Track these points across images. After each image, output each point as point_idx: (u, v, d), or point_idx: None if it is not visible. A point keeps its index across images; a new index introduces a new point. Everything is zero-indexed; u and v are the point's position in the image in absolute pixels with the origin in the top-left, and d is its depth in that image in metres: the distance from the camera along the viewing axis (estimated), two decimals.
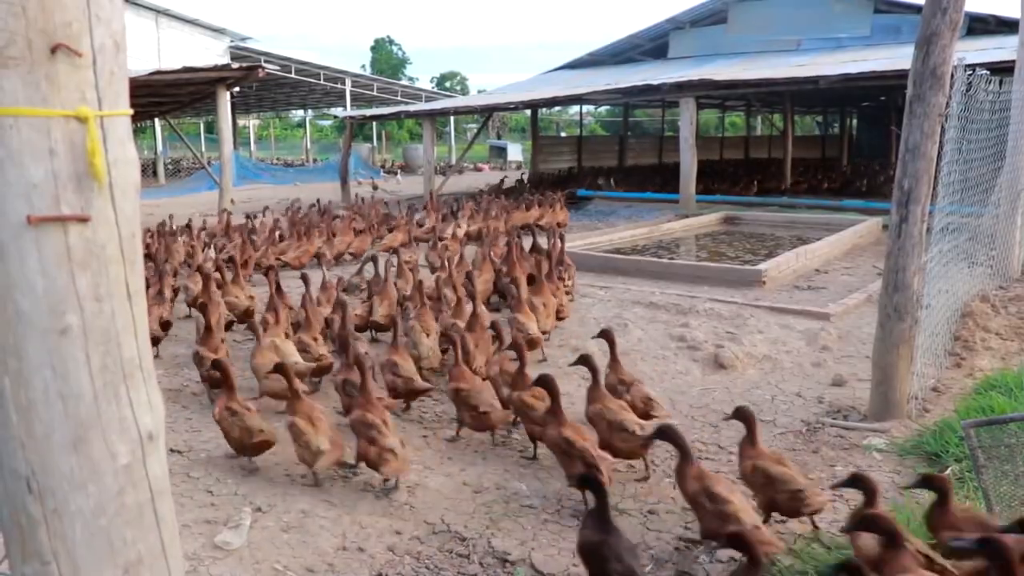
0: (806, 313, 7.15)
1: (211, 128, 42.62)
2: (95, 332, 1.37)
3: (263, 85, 30.62)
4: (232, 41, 32.93)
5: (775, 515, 3.55)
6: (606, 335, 4.86)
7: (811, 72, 15.68)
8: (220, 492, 3.90)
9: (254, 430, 4.10)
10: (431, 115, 21.16)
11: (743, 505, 3.13)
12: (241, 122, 45.35)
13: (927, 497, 3.68)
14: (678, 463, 3.34)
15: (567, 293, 7.24)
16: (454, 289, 6.66)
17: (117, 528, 1.42)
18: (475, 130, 31.22)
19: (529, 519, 3.64)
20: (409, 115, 25.87)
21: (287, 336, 5.69)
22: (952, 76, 4.63)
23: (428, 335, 5.64)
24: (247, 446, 4.14)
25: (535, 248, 8.69)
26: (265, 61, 26.92)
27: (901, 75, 6.27)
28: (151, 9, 28.64)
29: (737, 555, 3.30)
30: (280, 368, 4.42)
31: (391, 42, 78.95)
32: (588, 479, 3.06)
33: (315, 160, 41.79)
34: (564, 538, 3.47)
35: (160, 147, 34.04)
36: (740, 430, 4.69)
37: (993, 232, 7.61)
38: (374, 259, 7.74)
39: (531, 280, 7.02)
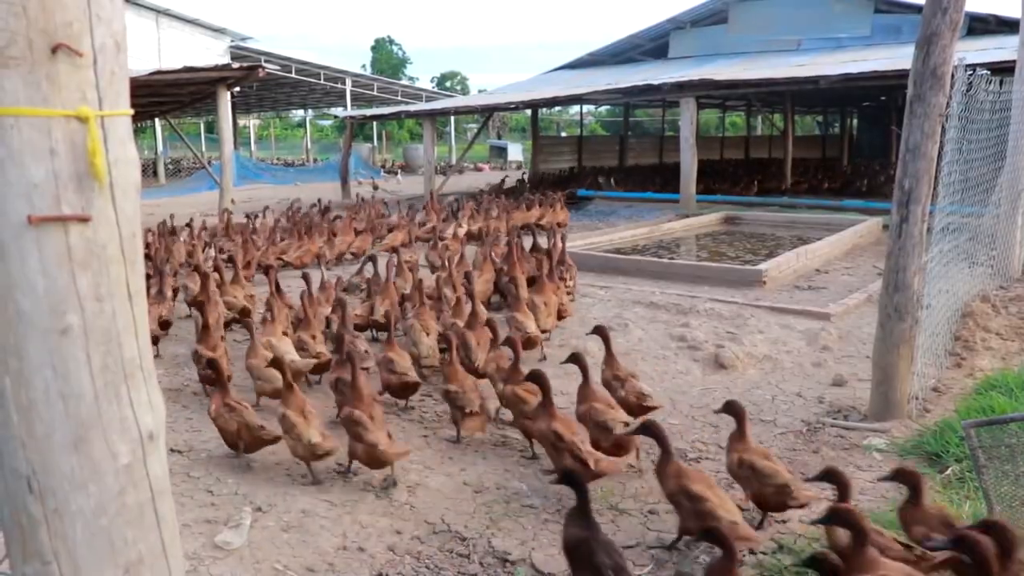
0: (806, 313, 7.15)
1: (211, 128, 42.65)
2: (96, 332, 1.37)
3: (263, 85, 30.61)
4: (232, 41, 32.95)
5: (776, 516, 3.56)
6: (600, 331, 4.91)
7: (811, 72, 15.68)
8: (220, 492, 3.90)
9: (253, 426, 4.12)
10: (431, 115, 21.16)
11: (720, 502, 3.16)
12: (241, 122, 45.36)
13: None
14: (658, 460, 3.38)
15: (568, 293, 7.25)
16: (453, 288, 6.68)
17: (118, 528, 1.42)
18: (475, 130, 31.22)
19: (529, 519, 3.64)
20: (409, 115, 25.88)
21: (286, 335, 5.73)
22: (952, 76, 4.63)
23: (428, 334, 5.65)
24: (244, 442, 4.17)
25: (535, 248, 8.70)
26: (265, 61, 26.90)
27: (901, 75, 6.28)
28: (151, 9, 28.65)
29: None
30: (275, 362, 4.47)
31: (391, 42, 78.99)
32: (569, 475, 3.07)
33: (315, 160, 41.79)
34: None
35: (160, 147, 34.06)
36: None
37: (994, 232, 7.61)
38: (373, 259, 7.75)
39: (532, 281, 7.04)
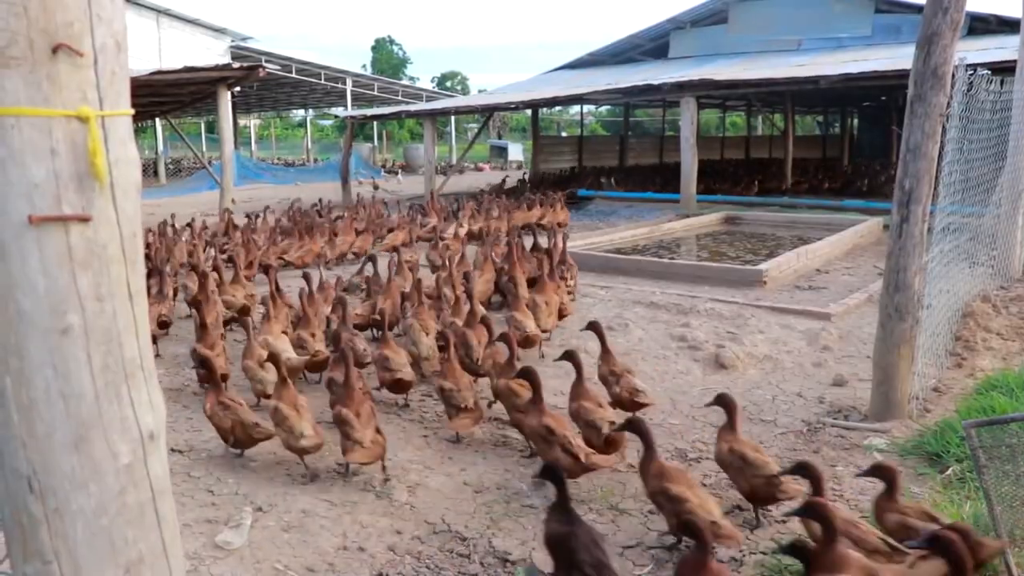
0: (807, 313, 7.15)
1: (212, 128, 42.67)
2: (96, 332, 1.37)
3: (264, 85, 30.61)
4: (233, 41, 32.96)
5: (775, 516, 3.56)
6: (594, 327, 4.99)
7: (812, 72, 15.68)
8: (221, 492, 3.90)
9: (247, 423, 4.19)
10: (432, 115, 21.16)
11: (701, 502, 3.19)
12: (242, 122, 45.37)
13: (928, 497, 3.69)
14: (641, 458, 3.41)
15: (569, 292, 7.26)
16: (453, 288, 6.69)
17: (118, 527, 1.42)
18: (476, 130, 31.21)
19: (530, 519, 3.64)
20: (410, 115, 25.87)
21: (286, 334, 5.78)
22: (953, 76, 4.63)
23: (427, 334, 5.67)
24: (238, 439, 4.23)
25: (536, 247, 8.71)
26: (266, 61, 26.92)
27: (902, 75, 6.27)
28: (152, 9, 28.66)
29: (736, 554, 3.31)
30: (271, 357, 4.57)
31: (392, 42, 79.02)
32: (548, 470, 3.10)
33: (316, 160, 41.82)
34: None
35: (161, 147, 34.08)
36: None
37: (994, 232, 7.61)
38: (373, 259, 7.76)
39: (533, 281, 7.06)
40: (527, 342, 5.96)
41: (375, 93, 38.81)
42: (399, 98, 38.49)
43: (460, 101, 30.77)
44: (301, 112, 53.72)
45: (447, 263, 7.64)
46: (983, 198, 6.90)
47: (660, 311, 7.29)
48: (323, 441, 4.09)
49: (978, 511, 3.34)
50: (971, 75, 5.49)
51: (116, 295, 1.40)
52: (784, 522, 3.53)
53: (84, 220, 1.34)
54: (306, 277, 6.56)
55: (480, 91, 51.79)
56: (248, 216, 12.93)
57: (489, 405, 4.92)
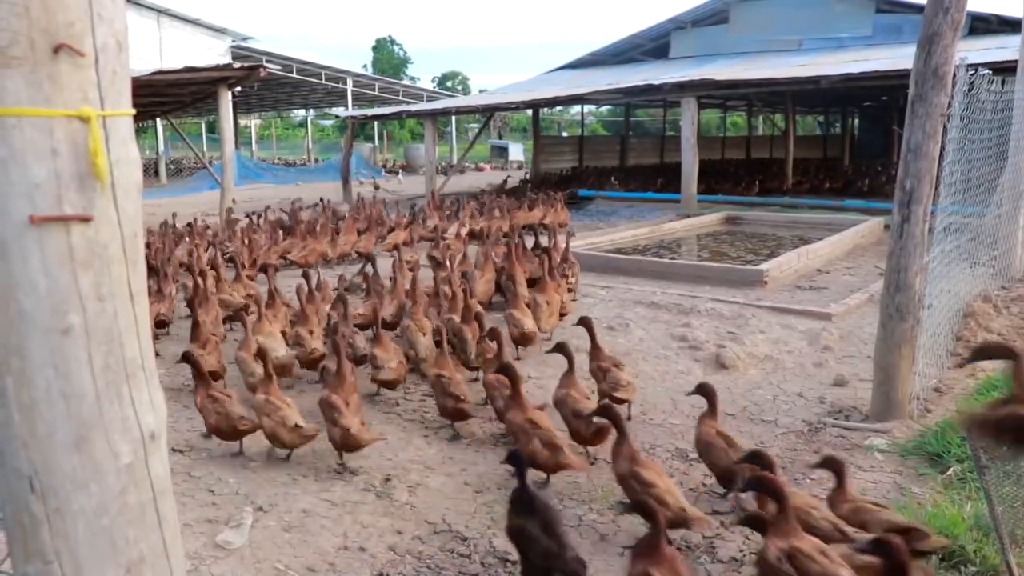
0: (808, 313, 7.15)
1: (213, 128, 42.70)
2: (97, 332, 1.37)
3: (265, 85, 30.66)
4: (234, 41, 32.98)
5: None
6: (585, 323, 5.10)
7: (813, 72, 15.67)
8: (221, 491, 3.91)
9: (233, 416, 4.27)
10: (432, 115, 21.16)
11: (668, 488, 3.29)
12: (243, 122, 45.38)
13: (929, 497, 3.69)
14: (614, 442, 3.52)
15: (570, 290, 7.28)
16: (450, 285, 6.73)
17: (119, 527, 1.42)
18: (476, 130, 31.20)
19: None
20: (411, 115, 25.88)
21: (284, 332, 5.88)
22: (954, 76, 4.62)
23: (424, 334, 5.70)
24: (224, 431, 4.32)
25: (537, 246, 8.72)
26: (267, 61, 26.94)
27: (903, 75, 6.26)
28: (153, 9, 28.68)
29: (737, 555, 3.31)
30: (259, 352, 4.75)
31: (392, 42, 79.04)
32: (512, 456, 3.19)
33: (316, 160, 41.86)
34: None
35: (162, 147, 34.12)
36: (739, 430, 4.71)
37: (995, 232, 7.60)
38: (371, 258, 7.79)
39: (534, 282, 7.08)
40: (524, 339, 6.01)
41: (376, 93, 38.83)
42: (400, 98, 38.51)
43: (461, 101, 30.77)
44: (302, 112, 53.75)
45: (448, 262, 7.65)
46: (984, 198, 6.90)
47: (661, 311, 7.29)
48: (315, 433, 4.17)
49: (979, 511, 3.34)
50: (972, 75, 5.49)
51: (117, 295, 1.40)
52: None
53: (85, 220, 1.34)
54: (306, 276, 6.62)
55: (481, 91, 51.78)
56: (248, 216, 12.94)
57: (486, 403, 4.94)
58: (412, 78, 70.43)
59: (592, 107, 39.89)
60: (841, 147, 31.05)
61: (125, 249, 1.41)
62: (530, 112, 26.48)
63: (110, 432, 1.40)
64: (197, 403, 4.43)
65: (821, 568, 2.52)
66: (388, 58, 76.29)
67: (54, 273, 1.32)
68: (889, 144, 25.27)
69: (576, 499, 3.85)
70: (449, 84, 74.63)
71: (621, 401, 4.70)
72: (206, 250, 9.77)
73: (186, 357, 4.67)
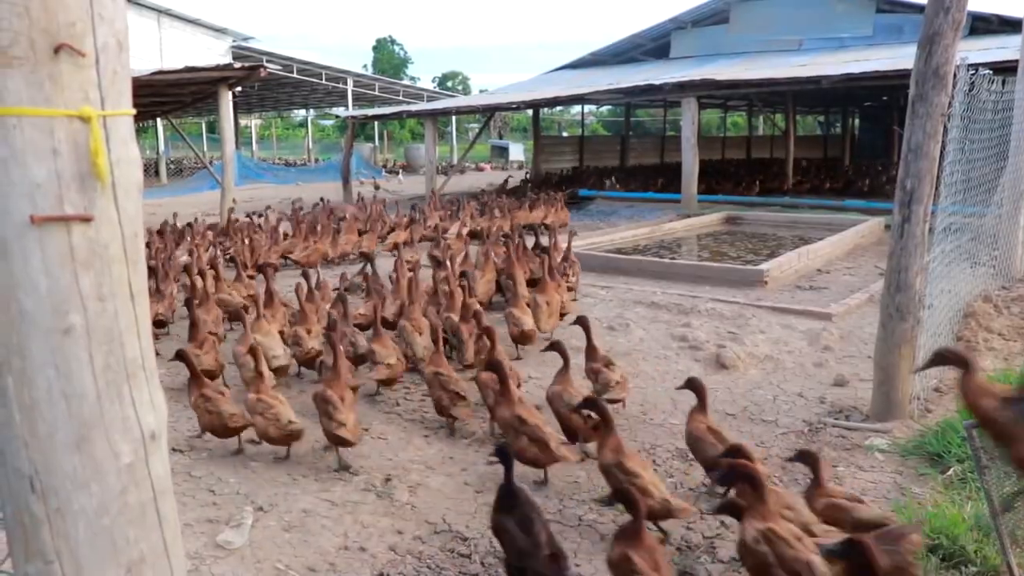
0: (808, 313, 7.15)
1: (213, 128, 42.70)
2: (98, 332, 1.37)
3: (265, 85, 30.64)
4: (234, 41, 32.98)
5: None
6: (581, 322, 5.15)
7: (813, 72, 15.66)
8: (222, 491, 3.91)
9: (224, 414, 4.31)
10: (433, 115, 21.16)
11: (651, 479, 3.35)
12: (243, 122, 45.38)
13: (930, 497, 3.69)
14: (600, 435, 3.57)
15: (570, 289, 7.28)
16: (448, 283, 6.74)
17: (120, 527, 1.43)
18: (477, 130, 31.20)
19: None
20: (411, 115, 25.87)
21: (282, 332, 5.91)
22: (955, 76, 4.62)
23: (420, 333, 5.72)
24: (216, 428, 4.37)
25: (537, 246, 8.72)
26: (267, 61, 26.95)
27: (903, 75, 6.26)
28: (153, 9, 28.67)
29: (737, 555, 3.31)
30: (252, 350, 4.78)
31: (393, 42, 79.04)
32: (499, 451, 3.23)
33: (317, 160, 41.87)
34: (565, 538, 3.47)
35: (162, 147, 34.12)
36: (740, 430, 4.72)
37: (996, 232, 7.60)
38: (370, 258, 7.80)
39: (533, 283, 7.08)
40: (524, 338, 6.04)
41: (376, 93, 38.82)
42: (400, 98, 38.50)
43: (461, 101, 30.76)
44: (302, 112, 53.75)
45: (448, 262, 7.66)
46: (985, 198, 6.90)
47: (661, 311, 7.29)
48: (304, 429, 4.23)
49: (979, 511, 3.34)
50: (973, 75, 5.48)
51: (118, 295, 1.40)
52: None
53: (86, 220, 1.34)
54: (305, 275, 6.64)
55: (481, 91, 51.79)
56: (249, 216, 12.95)
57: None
58: (412, 78, 70.45)
59: (592, 107, 39.87)
60: (842, 147, 31.04)
61: (126, 249, 1.41)
62: (530, 112, 26.48)
63: (111, 432, 1.40)
64: (191, 402, 4.48)
65: (794, 553, 2.58)
66: (388, 58, 76.29)
67: (55, 273, 1.32)
68: (890, 144, 25.27)
69: (576, 499, 3.85)
70: (449, 84, 74.63)
71: (614, 401, 4.75)
72: (206, 250, 9.78)
73: (180, 355, 4.69)
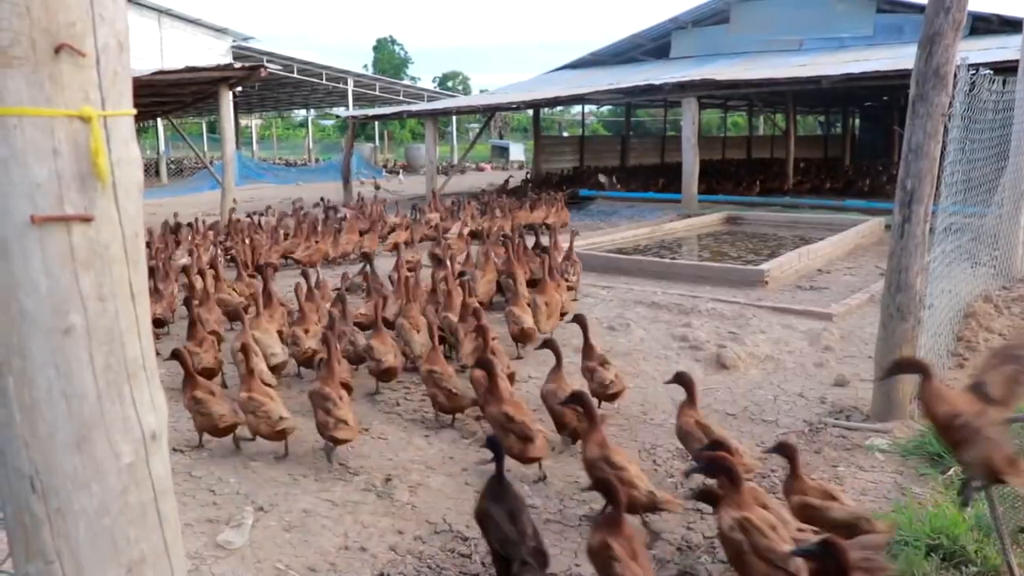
0: (808, 313, 7.14)
1: (213, 128, 42.71)
2: (99, 332, 1.37)
3: (265, 85, 30.64)
4: (235, 41, 32.98)
5: None
6: (579, 320, 5.17)
7: (813, 72, 15.65)
8: (222, 491, 3.91)
9: (213, 415, 4.33)
10: (433, 115, 21.16)
11: (637, 473, 3.38)
12: (243, 122, 45.39)
13: (930, 497, 3.69)
14: (586, 429, 3.59)
15: (570, 289, 7.28)
16: (447, 282, 6.75)
17: (120, 527, 1.43)
18: (477, 130, 31.21)
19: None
20: (411, 115, 25.87)
21: (281, 331, 5.92)
22: (955, 76, 4.62)
23: (418, 331, 5.72)
24: (207, 429, 4.40)
25: (537, 246, 8.72)
26: (268, 61, 26.95)
27: (904, 75, 6.26)
28: (154, 9, 28.67)
29: None
30: (243, 348, 4.82)
31: (393, 42, 79.08)
32: (490, 441, 3.25)
33: (317, 160, 41.88)
34: (566, 538, 3.47)
35: (163, 147, 34.15)
36: (740, 430, 4.72)
37: (996, 232, 7.60)
38: (369, 258, 7.81)
39: (534, 283, 7.08)
40: (523, 336, 6.06)
41: (376, 93, 38.83)
42: (400, 98, 38.51)
43: (462, 101, 30.76)
44: (303, 112, 53.77)
45: (448, 262, 7.67)
46: (985, 198, 6.90)
47: (661, 311, 7.29)
48: (295, 425, 4.27)
49: (980, 511, 3.34)
50: (973, 75, 5.49)
51: (118, 295, 1.40)
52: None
53: (86, 220, 1.34)
54: (305, 275, 6.64)
55: (481, 91, 51.78)
56: (250, 215, 12.95)
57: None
58: (413, 78, 70.48)
59: (593, 107, 39.87)
60: (842, 147, 31.04)
61: (126, 249, 1.41)
62: (531, 112, 26.48)
63: (111, 432, 1.40)
64: (184, 403, 4.49)
65: (768, 543, 2.62)
66: (389, 58, 76.32)
67: (55, 273, 1.32)
68: (890, 144, 25.27)
69: (577, 499, 3.85)
70: (450, 84, 74.65)
71: (612, 399, 4.87)
72: (207, 250, 9.80)
73: (175, 355, 4.69)
